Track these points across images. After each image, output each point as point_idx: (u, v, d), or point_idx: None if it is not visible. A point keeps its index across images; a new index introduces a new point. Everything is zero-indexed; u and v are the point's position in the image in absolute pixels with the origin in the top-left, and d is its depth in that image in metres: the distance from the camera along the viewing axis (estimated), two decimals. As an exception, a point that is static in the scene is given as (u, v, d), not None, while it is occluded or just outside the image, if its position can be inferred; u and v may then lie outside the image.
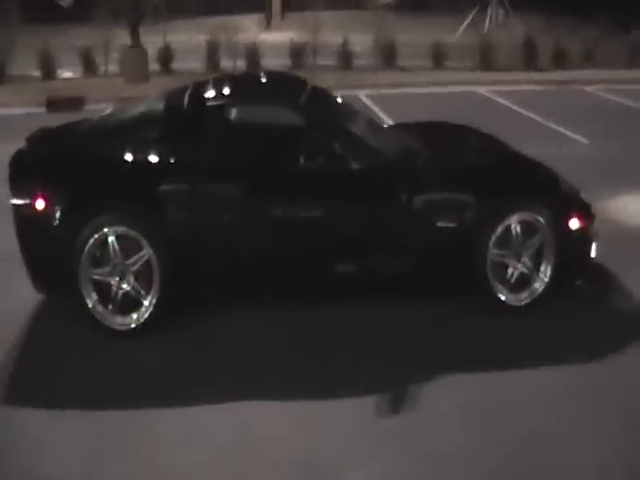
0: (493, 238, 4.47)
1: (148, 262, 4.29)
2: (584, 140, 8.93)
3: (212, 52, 13.84)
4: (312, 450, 3.40)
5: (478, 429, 3.54)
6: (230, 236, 4.42)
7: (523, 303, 4.59)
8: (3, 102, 11.26)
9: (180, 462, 3.33)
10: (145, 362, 4.14)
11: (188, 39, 14.58)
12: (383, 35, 14.29)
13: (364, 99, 11.42)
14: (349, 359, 4.13)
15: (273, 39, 15.91)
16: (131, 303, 4.34)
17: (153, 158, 4.43)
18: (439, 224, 4.47)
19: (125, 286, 4.31)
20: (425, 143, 5.08)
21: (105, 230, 4.22)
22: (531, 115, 10.42)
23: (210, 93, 4.77)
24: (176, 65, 13.84)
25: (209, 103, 4.68)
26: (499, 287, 4.55)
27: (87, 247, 4.21)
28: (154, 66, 13.55)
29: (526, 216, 4.49)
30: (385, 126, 6.17)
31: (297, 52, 14.08)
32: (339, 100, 5.35)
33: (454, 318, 4.56)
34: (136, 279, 4.32)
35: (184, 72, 12.92)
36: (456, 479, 3.24)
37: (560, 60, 14.43)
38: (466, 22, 17.73)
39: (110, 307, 4.32)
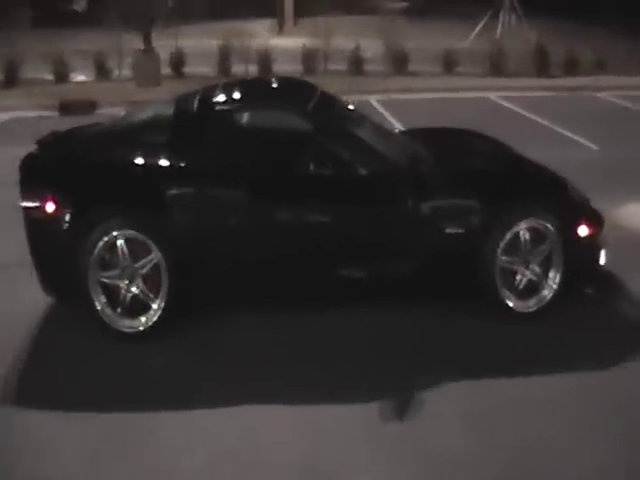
0: (502, 245, 4.46)
1: (157, 266, 4.32)
2: (594, 146, 8.90)
3: (224, 57, 13.88)
4: (316, 454, 3.41)
5: (482, 434, 3.53)
6: (238, 240, 4.44)
7: (531, 310, 4.58)
8: (16, 105, 11.35)
9: (184, 465, 3.34)
10: (152, 365, 4.16)
11: (200, 44, 14.62)
12: (394, 40, 14.29)
13: (375, 104, 11.43)
14: (353, 364, 4.13)
15: (285, 44, 15.94)
16: (139, 306, 4.37)
17: (162, 162, 4.46)
18: (446, 230, 4.47)
19: (134, 289, 4.34)
20: (433, 149, 5.08)
21: (114, 233, 4.25)
22: (541, 121, 10.38)
23: (219, 98, 4.79)
24: (188, 70, 13.88)
25: (218, 108, 4.71)
26: (507, 294, 4.54)
27: (96, 250, 4.24)
28: (166, 70, 13.61)
29: (534, 223, 4.47)
30: (394, 132, 6.18)
31: (308, 57, 14.12)
32: (348, 106, 5.37)
33: (459, 323, 4.55)
34: (145, 282, 4.34)
35: (196, 76, 12.95)
36: (460, 485, 3.24)
37: (572, 66, 14.36)
38: (478, 28, 17.69)
39: (119, 310, 4.35)
